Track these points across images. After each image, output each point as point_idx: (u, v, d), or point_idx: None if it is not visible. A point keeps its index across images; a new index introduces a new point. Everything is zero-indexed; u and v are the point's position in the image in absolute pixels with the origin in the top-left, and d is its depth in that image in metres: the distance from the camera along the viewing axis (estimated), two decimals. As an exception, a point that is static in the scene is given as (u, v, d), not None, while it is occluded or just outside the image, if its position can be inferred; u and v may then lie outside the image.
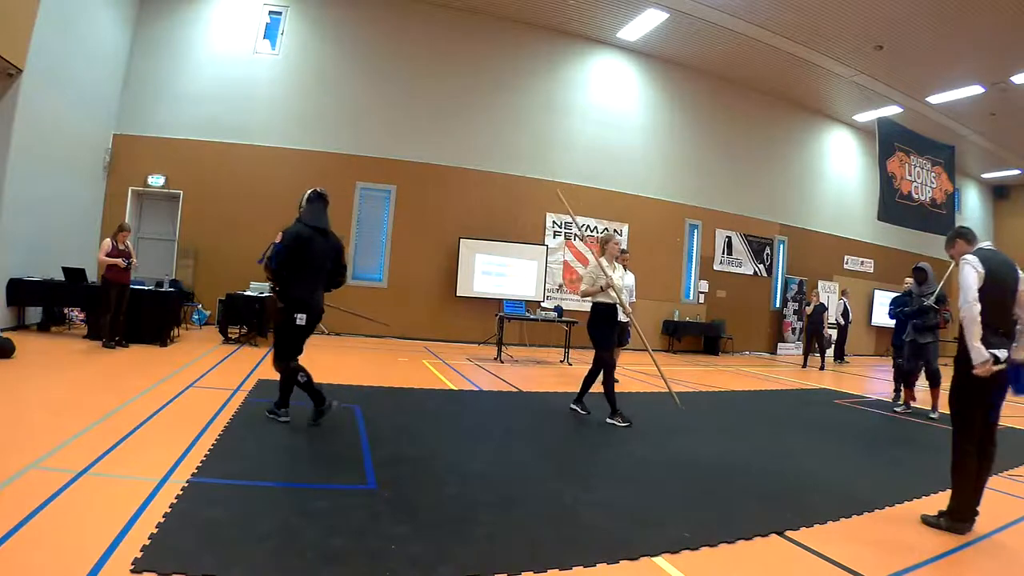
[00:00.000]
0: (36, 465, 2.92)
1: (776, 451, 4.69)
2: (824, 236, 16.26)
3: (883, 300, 17.00)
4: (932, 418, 6.68)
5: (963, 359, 3.10)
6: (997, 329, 3.06)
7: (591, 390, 5.37)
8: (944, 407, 6.93)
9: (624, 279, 6.14)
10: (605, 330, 5.22)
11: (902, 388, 7.32)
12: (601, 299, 5.18)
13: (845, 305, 13.41)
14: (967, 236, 3.40)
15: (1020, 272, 3.17)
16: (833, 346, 13.23)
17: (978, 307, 2.97)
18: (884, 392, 8.68)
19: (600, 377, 5.24)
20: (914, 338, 6.84)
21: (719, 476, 3.84)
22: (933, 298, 6.67)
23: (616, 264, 5.48)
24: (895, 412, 6.90)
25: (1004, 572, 2.71)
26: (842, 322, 13.35)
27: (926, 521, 3.15)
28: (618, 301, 5.21)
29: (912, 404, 7.11)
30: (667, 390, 5.76)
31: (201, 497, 2.72)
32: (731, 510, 3.19)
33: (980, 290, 3.00)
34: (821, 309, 11.97)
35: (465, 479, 3.35)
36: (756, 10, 10.98)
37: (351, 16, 11.38)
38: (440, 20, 11.79)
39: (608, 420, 5.08)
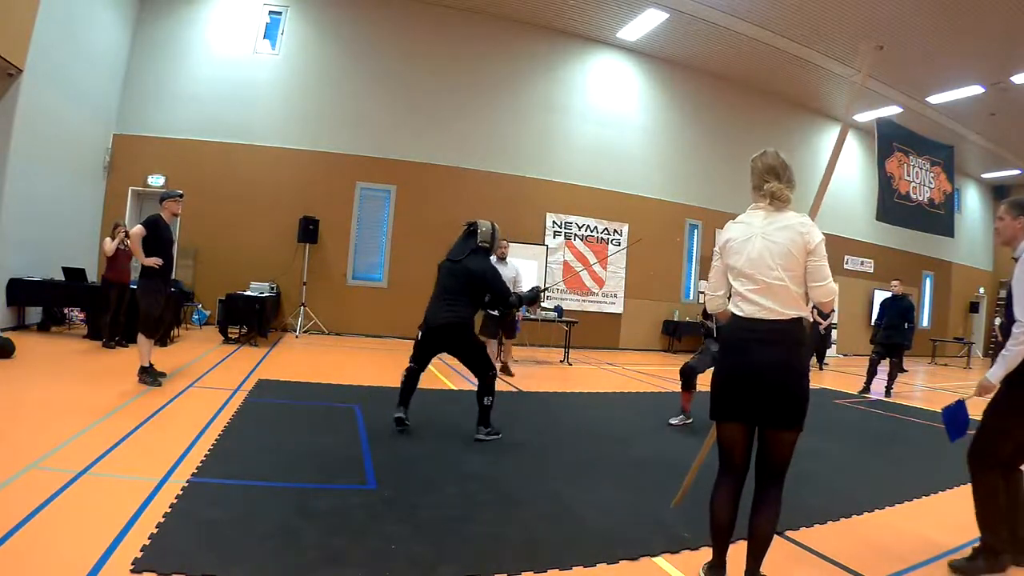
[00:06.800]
0: (36, 465, 2.92)
1: (776, 451, 4.69)
2: (824, 236, 16.20)
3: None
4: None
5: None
6: None
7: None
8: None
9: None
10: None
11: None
12: None
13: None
14: None
15: None
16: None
17: None
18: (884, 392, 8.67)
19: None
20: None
21: (719, 476, 3.83)
22: None
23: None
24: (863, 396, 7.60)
25: (1002, 572, 2.70)
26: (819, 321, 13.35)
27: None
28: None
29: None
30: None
31: (201, 497, 2.72)
32: (731, 510, 3.18)
33: None
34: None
35: (465, 479, 3.35)
36: (756, 10, 10.97)
37: (351, 16, 11.37)
38: (440, 20, 11.77)
39: None
